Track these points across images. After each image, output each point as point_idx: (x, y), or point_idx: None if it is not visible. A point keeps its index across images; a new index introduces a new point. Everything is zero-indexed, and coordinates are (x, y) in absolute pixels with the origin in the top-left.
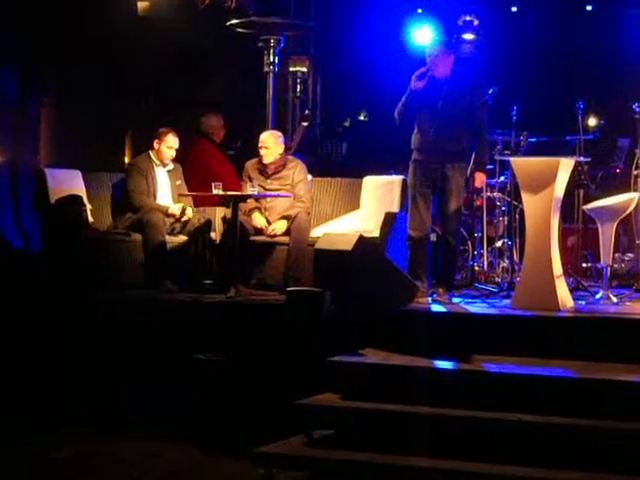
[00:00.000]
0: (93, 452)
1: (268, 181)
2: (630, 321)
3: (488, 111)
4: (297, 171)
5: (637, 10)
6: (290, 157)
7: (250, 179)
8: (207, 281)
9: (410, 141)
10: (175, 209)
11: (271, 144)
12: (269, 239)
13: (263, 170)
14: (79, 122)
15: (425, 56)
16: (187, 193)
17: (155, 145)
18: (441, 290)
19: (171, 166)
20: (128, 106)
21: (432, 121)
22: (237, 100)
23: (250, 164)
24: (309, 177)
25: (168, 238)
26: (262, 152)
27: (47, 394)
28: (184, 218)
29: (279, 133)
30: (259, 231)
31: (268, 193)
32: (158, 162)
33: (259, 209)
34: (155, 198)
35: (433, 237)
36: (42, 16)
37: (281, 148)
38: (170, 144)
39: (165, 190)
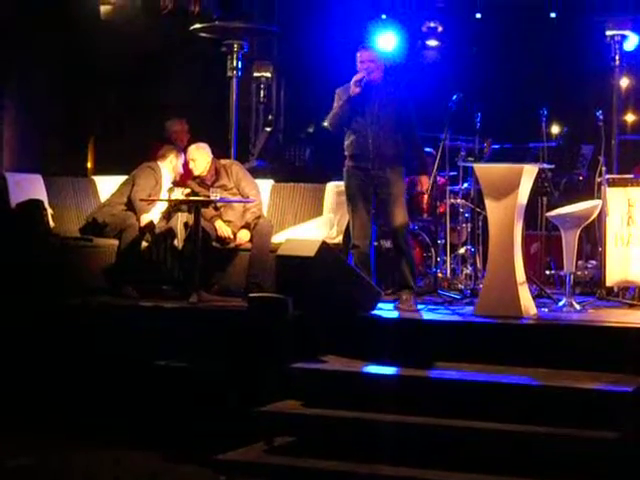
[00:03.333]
0: (51, 460)
1: (211, 190)
2: (593, 328)
3: (451, 117)
4: (233, 171)
5: (601, 17)
6: (223, 161)
7: (196, 194)
8: (165, 287)
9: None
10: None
11: (197, 156)
12: (231, 245)
13: (202, 182)
14: (40, 126)
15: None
16: (147, 198)
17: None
18: (404, 297)
19: None
20: (91, 110)
21: (366, 126)
22: (202, 105)
23: (190, 181)
24: (270, 182)
25: None
26: (190, 166)
27: (10, 402)
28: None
29: (203, 144)
30: (222, 240)
31: (230, 198)
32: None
33: (220, 218)
34: None
35: (388, 244)
36: (3, 19)
37: (208, 157)
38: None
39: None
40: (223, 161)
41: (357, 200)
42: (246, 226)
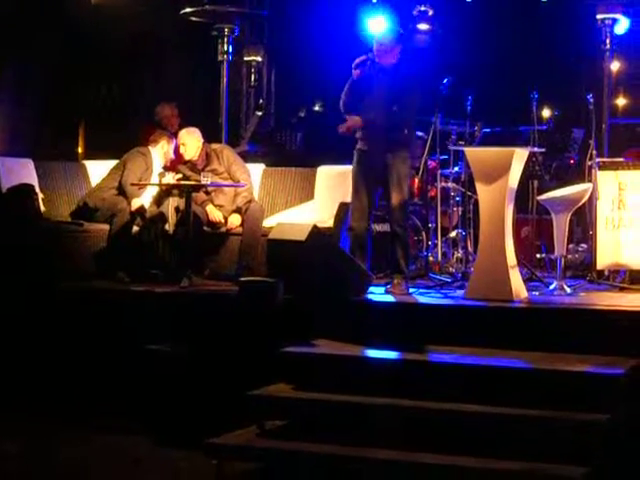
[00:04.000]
0: (38, 446)
1: (202, 174)
2: (584, 312)
3: (442, 101)
4: (224, 156)
5: (591, 1)
6: (214, 146)
7: (187, 179)
8: (156, 271)
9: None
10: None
11: (188, 140)
12: (222, 229)
13: (194, 167)
14: (31, 111)
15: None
16: (138, 183)
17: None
18: (396, 281)
19: None
20: (82, 95)
21: (373, 109)
22: (192, 89)
23: (181, 166)
24: (261, 166)
25: None
26: (181, 150)
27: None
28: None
29: (194, 128)
30: (213, 224)
31: (221, 182)
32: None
33: (211, 202)
34: None
35: (386, 227)
36: None
37: (199, 141)
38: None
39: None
40: (214, 145)
41: (359, 182)
42: (237, 210)
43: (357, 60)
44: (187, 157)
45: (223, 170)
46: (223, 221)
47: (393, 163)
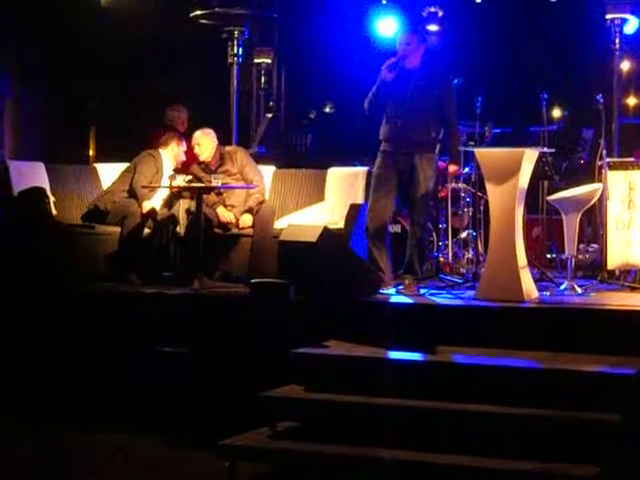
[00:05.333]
0: (62, 446)
1: (213, 176)
2: (594, 312)
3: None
4: (238, 157)
5: (601, 1)
6: (228, 148)
7: (199, 180)
8: (167, 273)
9: (379, 132)
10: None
11: (203, 141)
12: (233, 231)
13: (207, 168)
14: (42, 115)
15: (395, 46)
16: (149, 185)
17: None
18: (407, 281)
19: None
20: (92, 98)
21: (400, 111)
22: (202, 91)
23: (195, 167)
24: (272, 168)
25: None
26: (196, 150)
27: (13, 388)
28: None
29: (209, 129)
30: (225, 226)
31: (231, 184)
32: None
33: (222, 204)
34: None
35: (398, 228)
36: (4, 9)
37: (214, 142)
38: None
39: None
40: (228, 147)
41: (381, 184)
42: (249, 211)
43: (388, 62)
44: (202, 158)
45: (236, 171)
46: (234, 221)
47: (420, 164)
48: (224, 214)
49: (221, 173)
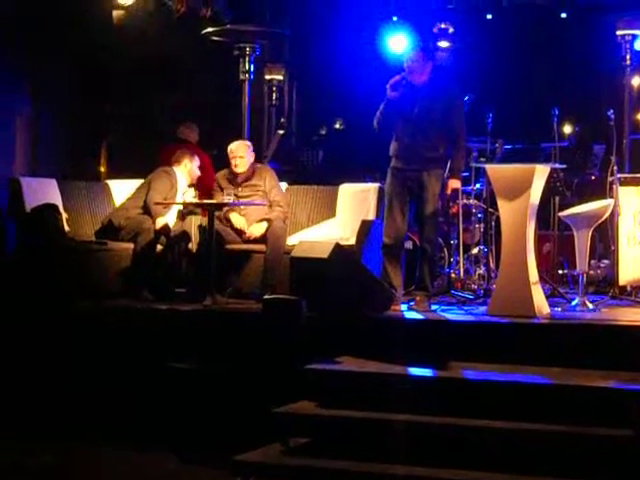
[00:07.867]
0: (71, 460)
1: (239, 189)
2: (606, 327)
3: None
4: (268, 178)
5: (611, 17)
6: (259, 165)
7: (222, 189)
8: (180, 289)
9: (389, 149)
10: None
11: (244, 153)
12: (245, 247)
13: (233, 179)
14: (54, 131)
15: (402, 62)
16: (162, 202)
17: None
18: (419, 298)
19: None
20: (104, 115)
21: (408, 128)
22: (214, 108)
23: (220, 175)
24: (284, 185)
25: None
26: (236, 162)
27: (23, 402)
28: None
29: (249, 142)
30: (237, 232)
31: (243, 200)
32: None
33: (237, 211)
34: None
35: (409, 245)
36: (17, 25)
37: (252, 157)
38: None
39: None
40: (260, 165)
41: (393, 200)
42: (266, 219)
43: (392, 80)
44: (239, 170)
45: (262, 189)
46: (245, 228)
47: (429, 181)
48: (234, 218)
49: (247, 187)
